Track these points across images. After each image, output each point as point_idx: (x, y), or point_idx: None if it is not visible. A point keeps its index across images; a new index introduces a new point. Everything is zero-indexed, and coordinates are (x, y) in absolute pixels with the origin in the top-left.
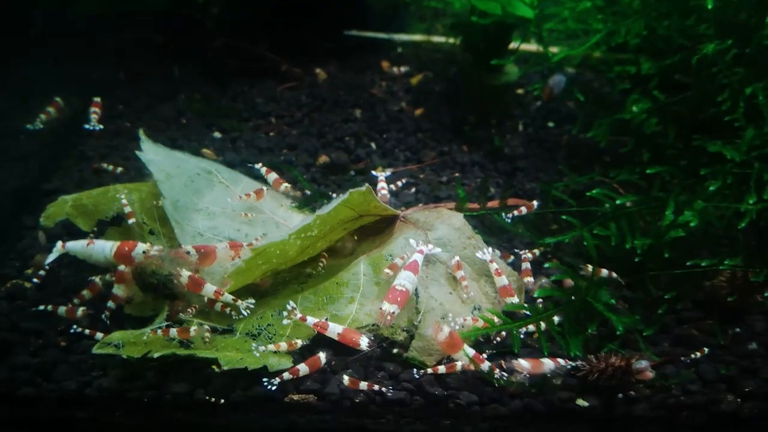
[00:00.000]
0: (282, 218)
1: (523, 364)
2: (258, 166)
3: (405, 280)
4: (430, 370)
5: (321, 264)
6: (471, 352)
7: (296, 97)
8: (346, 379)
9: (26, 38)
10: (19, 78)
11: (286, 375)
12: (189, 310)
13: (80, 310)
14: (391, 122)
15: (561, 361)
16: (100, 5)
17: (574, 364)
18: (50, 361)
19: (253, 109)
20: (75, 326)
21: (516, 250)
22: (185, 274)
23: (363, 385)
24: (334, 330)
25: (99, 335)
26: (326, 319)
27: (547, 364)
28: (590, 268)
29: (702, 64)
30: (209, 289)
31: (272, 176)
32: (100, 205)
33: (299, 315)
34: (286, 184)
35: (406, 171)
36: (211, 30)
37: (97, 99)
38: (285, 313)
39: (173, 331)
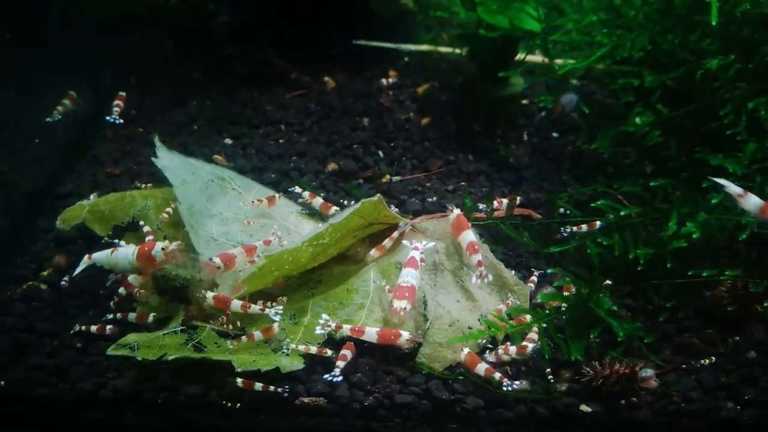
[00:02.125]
0: (293, 225)
1: (463, 353)
2: (298, 189)
3: (408, 276)
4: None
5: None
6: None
7: (305, 104)
8: (239, 380)
9: (36, 41)
10: (29, 81)
11: (340, 363)
12: (227, 324)
13: (151, 316)
14: (398, 131)
15: (497, 375)
16: (110, 8)
17: (510, 384)
18: (66, 362)
19: (262, 116)
20: (78, 326)
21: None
22: (210, 295)
23: (258, 386)
24: (371, 333)
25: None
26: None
27: (480, 367)
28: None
29: (705, 79)
30: (236, 305)
31: (318, 201)
32: (116, 210)
33: (334, 324)
34: (335, 207)
35: (413, 179)
36: (220, 37)
37: (122, 93)
38: (318, 327)
39: (258, 334)
